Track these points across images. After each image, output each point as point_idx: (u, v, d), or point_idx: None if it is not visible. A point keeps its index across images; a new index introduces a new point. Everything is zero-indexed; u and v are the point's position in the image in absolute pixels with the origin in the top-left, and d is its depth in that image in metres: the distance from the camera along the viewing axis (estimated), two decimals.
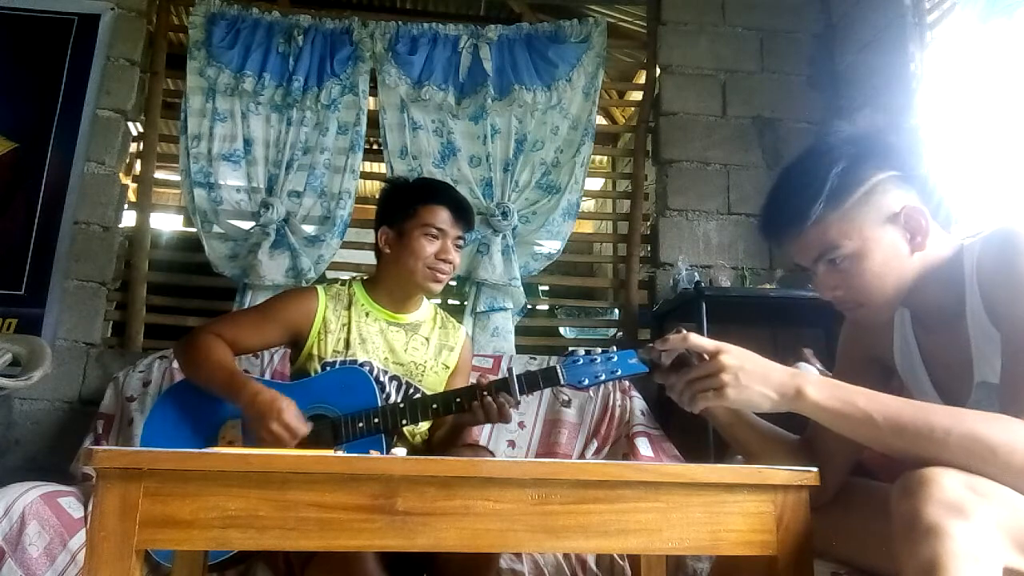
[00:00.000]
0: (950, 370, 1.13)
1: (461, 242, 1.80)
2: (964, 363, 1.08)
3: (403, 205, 1.77)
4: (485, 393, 1.56)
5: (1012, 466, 0.87)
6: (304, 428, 1.52)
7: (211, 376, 1.61)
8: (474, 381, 1.64)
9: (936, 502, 0.81)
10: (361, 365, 1.70)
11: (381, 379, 1.72)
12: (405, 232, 1.74)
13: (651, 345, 1.10)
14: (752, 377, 0.99)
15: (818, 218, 1.08)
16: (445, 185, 1.95)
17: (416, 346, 1.80)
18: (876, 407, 0.95)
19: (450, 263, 1.75)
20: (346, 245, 2.86)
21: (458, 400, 1.59)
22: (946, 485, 0.82)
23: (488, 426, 2.27)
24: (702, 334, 2.39)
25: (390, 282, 1.79)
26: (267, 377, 2.29)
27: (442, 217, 1.75)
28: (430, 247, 1.73)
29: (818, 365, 1.80)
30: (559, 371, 1.51)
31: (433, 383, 1.81)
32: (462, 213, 1.79)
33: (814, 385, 0.98)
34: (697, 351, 1.04)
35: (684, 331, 1.06)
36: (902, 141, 1.16)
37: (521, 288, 2.79)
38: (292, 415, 1.51)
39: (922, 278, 1.10)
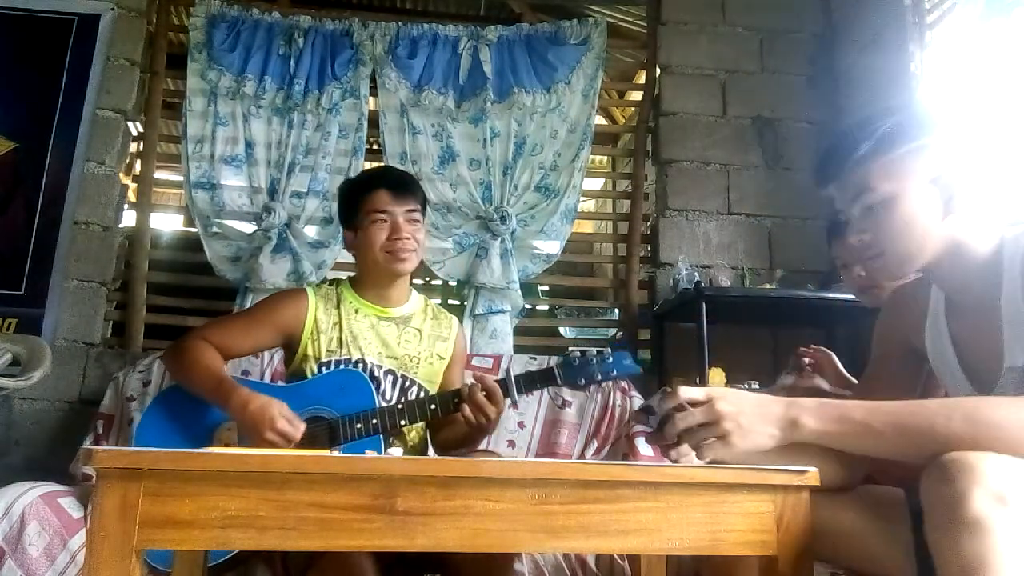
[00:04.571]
0: (979, 356, 1.14)
1: (416, 214, 1.77)
2: (994, 349, 1.10)
3: (351, 202, 1.79)
4: (481, 390, 1.58)
5: (1022, 441, 0.86)
6: (299, 430, 1.52)
7: (200, 382, 1.61)
8: (471, 378, 1.66)
9: (982, 489, 0.78)
10: (356, 363, 1.71)
11: (376, 374, 1.72)
12: (359, 227, 1.76)
13: (646, 403, 1.06)
14: (752, 420, 0.97)
15: (864, 155, 1.11)
16: (382, 168, 1.98)
17: (408, 339, 1.80)
18: (872, 416, 0.95)
19: (407, 238, 1.72)
20: None
21: (456, 400, 1.61)
22: (987, 472, 0.79)
23: None
24: (702, 334, 2.39)
25: (368, 277, 1.81)
26: (267, 377, 2.29)
27: (382, 198, 1.74)
28: (381, 232, 1.72)
29: (790, 380, 1.77)
30: (556, 372, 1.55)
31: (428, 374, 1.81)
32: (400, 188, 1.77)
33: (809, 412, 0.97)
34: (690, 404, 1.00)
35: (670, 389, 1.03)
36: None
37: (519, 291, 2.80)
38: (284, 421, 1.50)
39: (959, 260, 1.12)
